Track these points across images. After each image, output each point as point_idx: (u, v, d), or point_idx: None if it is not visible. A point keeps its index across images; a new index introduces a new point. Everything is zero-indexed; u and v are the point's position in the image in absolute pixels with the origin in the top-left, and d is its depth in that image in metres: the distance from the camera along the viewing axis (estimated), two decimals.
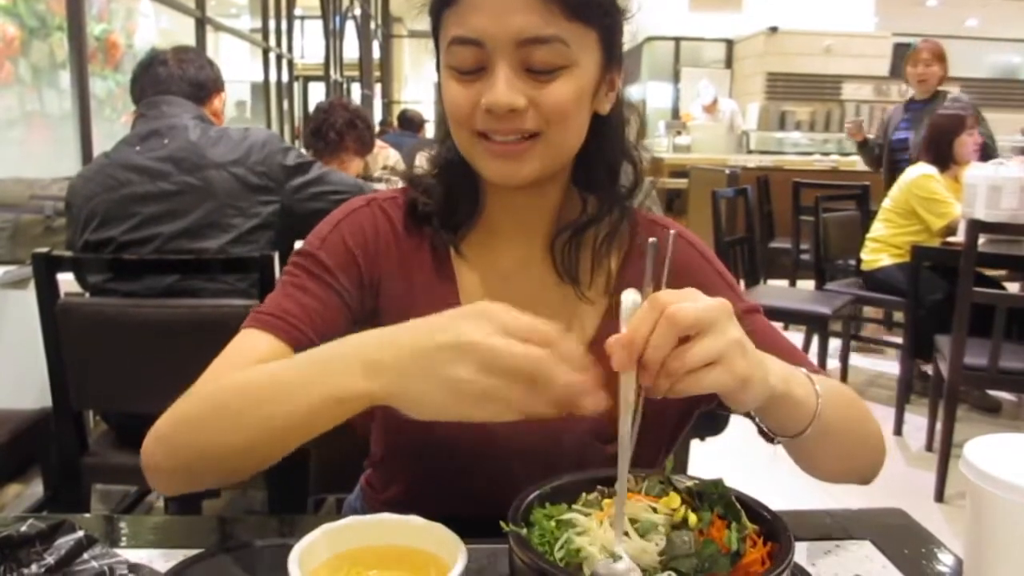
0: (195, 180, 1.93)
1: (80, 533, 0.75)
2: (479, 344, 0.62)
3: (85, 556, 0.74)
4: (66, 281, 2.01)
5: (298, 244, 0.97)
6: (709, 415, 1.00)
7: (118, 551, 0.77)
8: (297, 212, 2.04)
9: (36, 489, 2.49)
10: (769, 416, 0.79)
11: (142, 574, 0.73)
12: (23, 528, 0.72)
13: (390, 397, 0.67)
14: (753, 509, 0.68)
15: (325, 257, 0.92)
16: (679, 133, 8.19)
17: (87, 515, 1.31)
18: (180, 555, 0.76)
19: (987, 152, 4.02)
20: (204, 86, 2.14)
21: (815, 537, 0.85)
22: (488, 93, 0.82)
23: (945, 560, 0.83)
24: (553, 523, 0.66)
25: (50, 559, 0.71)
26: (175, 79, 2.08)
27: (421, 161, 1.02)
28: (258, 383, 0.77)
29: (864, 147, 4.87)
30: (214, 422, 0.77)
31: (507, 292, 0.94)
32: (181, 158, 1.94)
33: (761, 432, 0.95)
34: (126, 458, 1.93)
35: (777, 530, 0.65)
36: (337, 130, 2.96)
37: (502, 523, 0.63)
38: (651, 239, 0.68)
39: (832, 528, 0.89)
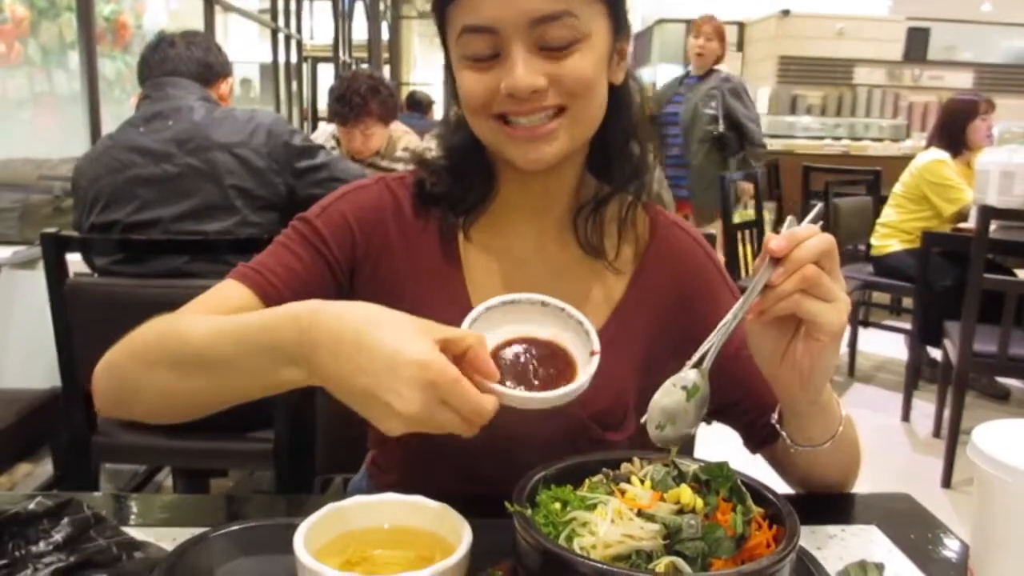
0: (198, 162, 1.92)
1: (87, 511, 0.75)
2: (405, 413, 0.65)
3: (92, 534, 0.74)
4: (75, 261, 2.02)
5: None
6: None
7: (125, 529, 0.78)
8: (301, 195, 2.03)
9: (46, 468, 2.51)
10: (811, 418, 0.83)
11: (149, 552, 0.73)
12: (31, 506, 0.73)
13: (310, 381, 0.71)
14: (759, 492, 0.68)
15: (321, 226, 0.92)
16: None
17: (96, 494, 1.32)
18: (187, 533, 0.76)
19: None
20: (211, 68, 2.12)
21: (821, 521, 0.84)
22: (507, 78, 0.81)
23: (951, 545, 0.83)
24: (558, 505, 0.66)
25: (57, 537, 0.72)
26: (182, 59, 2.07)
27: (431, 144, 1.02)
28: (207, 341, 0.77)
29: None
30: (160, 360, 0.80)
31: (519, 275, 0.95)
32: (185, 139, 1.93)
33: (747, 438, 0.97)
34: (135, 438, 1.94)
35: (782, 513, 0.65)
36: (361, 94, 2.94)
37: (507, 504, 0.63)
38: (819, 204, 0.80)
39: (838, 512, 0.88)
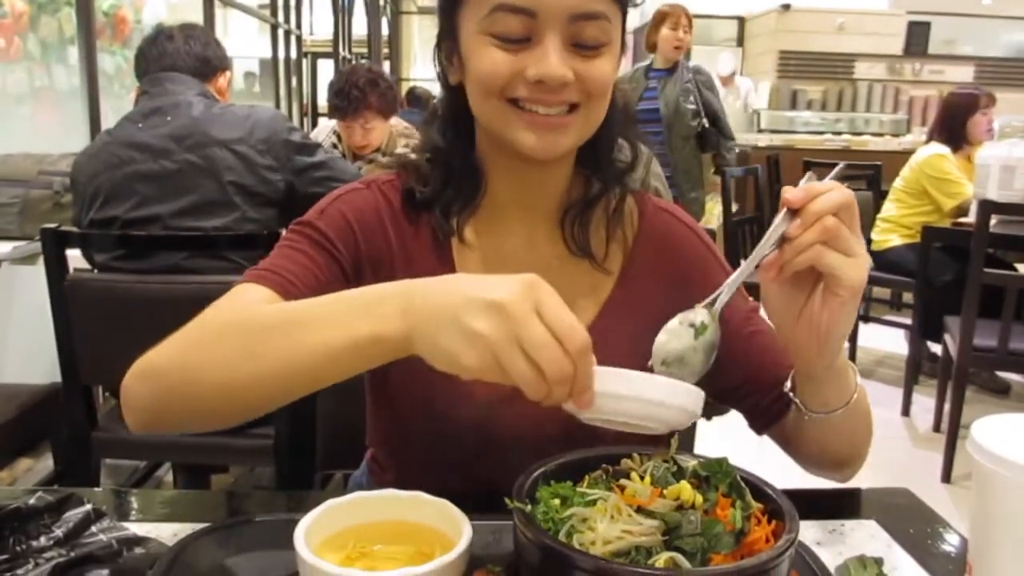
0: (197, 158, 1.91)
1: (88, 506, 0.75)
2: (507, 306, 0.60)
3: (93, 529, 0.74)
4: (75, 257, 2.02)
5: None
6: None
7: (126, 524, 0.78)
8: (299, 192, 2.02)
9: (47, 463, 2.51)
10: (827, 383, 0.83)
11: (149, 547, 0.74)
12: (32, 501, 0.73)
13: (411, 341, 0.65)
14: (758, 488, 0.68)
15: (324, 227, 0.91)
16: None
17: (96, 489, 1.32)
18: (188, 529, 0.77)
19: None
20: (209, 63, 2.11)
21: (820, 516, 0.85)
22: (540, 64, 0.81)
23: (951, 540, 0.83)
24: (558, 501, 0.66)
25: (58, 532, 0.72)
26: (180, 54, 2.06)
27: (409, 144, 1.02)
28: (282, 311, 0.73)
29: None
30: (222, 347, 0.73)
31: (510, 273, 0.94)
32: (183, 136, 1.92)
33: (753, 419, 0.96)
34: (135, 433, 1.94)
35: (782, 509, 0.65)
36: (360, 87, 2.93)
37: (507, 500, 0.63)
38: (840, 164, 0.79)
39: (837, 507, 0.89)
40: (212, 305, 0.82)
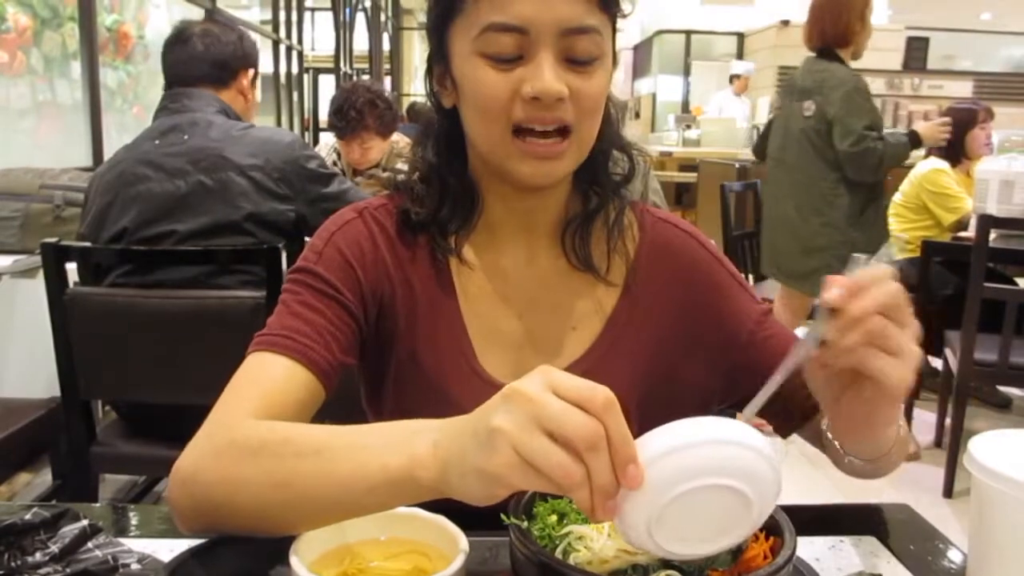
0: (211, 182, 1.89)
1: (84, 522, 0.75)
2: (520, 391, 0.56)
3: (89, 545, 0.74)
4: (76, 271, 2.03)
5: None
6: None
7: (124, 540, 0.78)
8: (311, 224, 2.00)
9: (46, 478, 2.50)
10: (865, 444, 0.81)
11: (145, 564, 0.73)
12: (27, 516, 0.73)
13: (445, 474, 0.61)
14: None
15: (324, 271, 0.88)
16: (689, 127, 8.16)
17: (94, 504, 1.32)
18: (184, 545, 0.76)
19: None
20: (228, 66, 2.08)
21: (819, 532, 0.84)
22: (534, 81, 0.80)
23: (951, 556, 0.82)
24: (555, 517, 0.66)
25: (54, 548, 0.72)
26: (196, 60, 2.04)
27: (400, 164, 1.00)
28: (314, 438, 0.70)
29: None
30: (254, 470, 0.71)
31: (513, 290, 0.94)
32: (199, 158, 1.91)
33: (778, 426, 0.95)
34: (134, 448, 1.94)
35: (780, 525, 0.65)
36: (358, 108, 2.95)
37: (503, 515, 0.63)
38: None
39: (837, 523, 0.88)
40: (226, 395, 0.80)
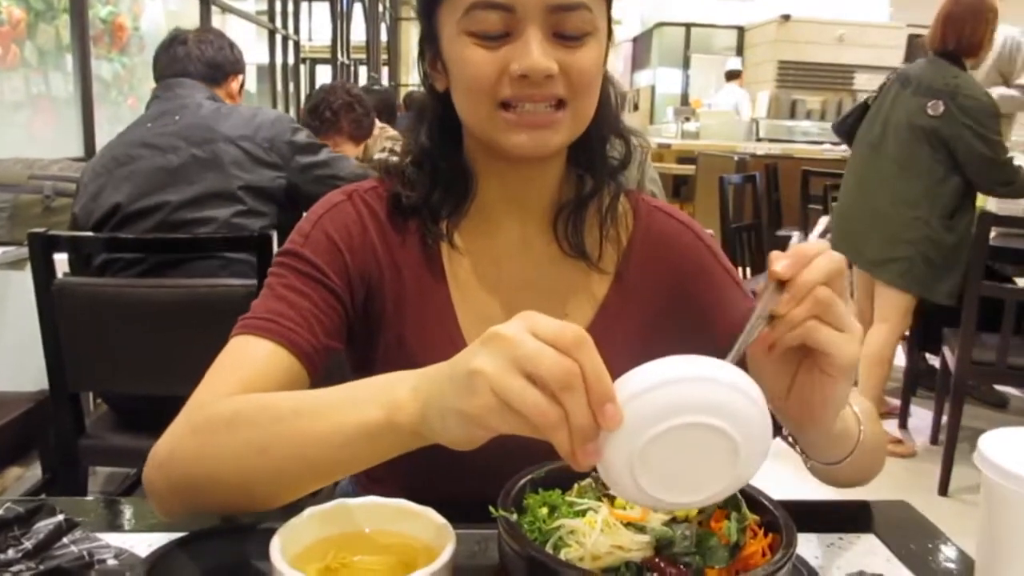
0: (202, 152, 1.95)
1: (60, 517, 0.73)
2: (499, 333, 0.56)
3: (64, 541, 0.72)
4: (64, 261, 2.01)
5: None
6: None
7: (107, 534, 0.76)
8: (302, 192, 2.05)
9: (37, 472, 2.48)
10: (825, 445, 0.78)
11: (122, 559, 0.71)
12: (0, 512, 0.70)
13: (426, 419, 0.61)
14: (754, 499, 0.66)
15: (310, 254, 0.87)
16: (688, 119, 8.14)
17: (81, 498, 1.30)
18: (167, 539, 0.74)
19: None
20: (221, 68, 2.18)
21: (818, 529, 0.82)
22: (522, 58, 0.79)
23: (952, 556, 0.80)
24: (546, 510, 0.63)
25: (28, 544, 0.69)
26: (192, 59, 2.13)
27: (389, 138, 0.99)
28: (292, 401, 0.70)
29: None
30: (233, 441, 0.70)
31: (504, 276, 0.93)
32: (190, 132, 1.96)
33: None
34: (124, 440, 1.92)
35: (778, 521, 0.62)
36: (333, 110, 2.92)
37: (491, 508, 0.61)
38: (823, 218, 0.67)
39: (836, 520, 0.86)
40: (208, 379, 0.79)
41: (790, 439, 0.82)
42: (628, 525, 0.61)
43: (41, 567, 0.67)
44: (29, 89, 3.46)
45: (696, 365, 0.54)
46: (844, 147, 5.58)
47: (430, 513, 0.68)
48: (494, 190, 0.93)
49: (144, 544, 0.75)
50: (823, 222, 0.71)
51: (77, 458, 1.89)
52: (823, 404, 0.68)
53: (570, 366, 0.53)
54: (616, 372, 0.54)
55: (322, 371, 0.85)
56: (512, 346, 0.54)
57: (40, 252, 1.75)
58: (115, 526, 0.82)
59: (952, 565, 0.79)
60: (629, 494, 0.56)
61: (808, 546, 0.79)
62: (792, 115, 8.91)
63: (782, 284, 0.63)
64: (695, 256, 0.96)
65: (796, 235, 0.80)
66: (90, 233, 1.95)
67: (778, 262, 0.63)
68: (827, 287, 0.62)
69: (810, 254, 0.63)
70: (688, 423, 0.53)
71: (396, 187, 0.92)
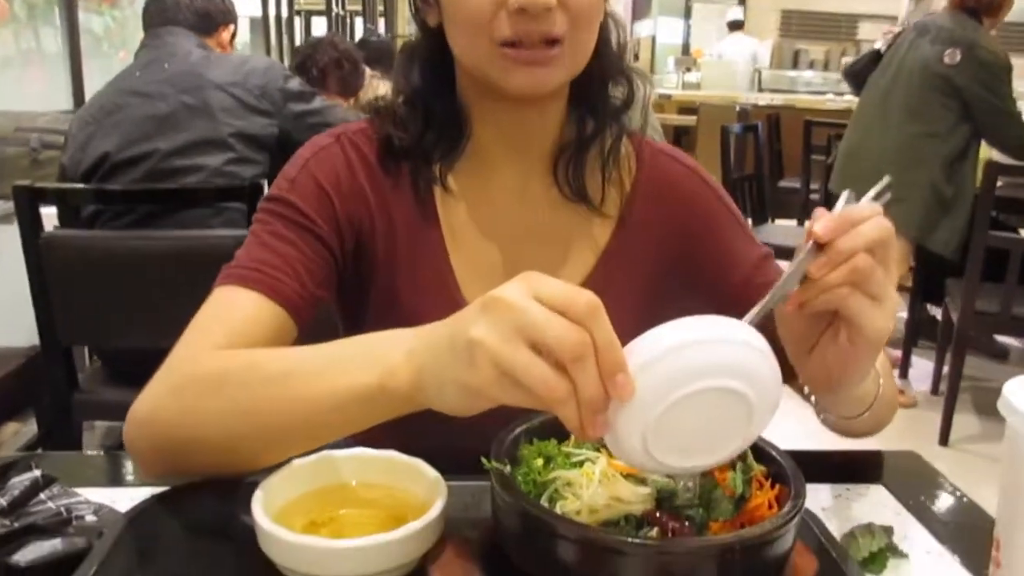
0: (193, 100, 1.92)
1: (36, 472, 0.70)
2: (501, 298, 0.52)
3: (41, 497, 0.69)
4: (55, 215, 1.97)
5: None
6: None
7: (92, 490, 0.73)
8: (295, 140, 1.99)
9: (33, 428, 2.47)
10: (844, 401, 0.75)
11: (102, 515, 0.68)
12: None
13: (421, 387, 0.58)
14: (760, 449, 0.62)
15: (297, 200, 0.83)
16: (688, 70, 8.01)
17: (67, 453, 1.27)
18: (148, 493, 0.71)
19: None
20: (211, 17, 2.16)
21: (823, 479, 0.79)
22: None
23: (964, 508, 0.78)
24: (541, 461, 0.60)
25: (2, 500, 0.66)
26: (182, 8, 2.11)
27: (383, 90, 0.95)
28: (281, 360, 0.67)
29: None
30: (218, 400, 0.67)
31: (501, 222, 0.89)
32: (179, 80, 1.94)
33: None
34: (118, 394, 1.89)
35: (786, 472, 0.59)
36: (320, 68, 2.86)
37: (483, 459, 0.58)
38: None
39: (842, 471, 0.83)
40: (189, 332, 0.75)
41: (805, 391, 0.78)
42: (628, 476, 0.58)
43: (16, 524, 0.64)
44: (19, 44, 3.41)
45: (705, 326, 0.51)
46: (848, 97, 5.48)
47: (421, 465, 0.65)
48: (490, 132, 0.88)
49: (127, 499, 0.72)
50: (885, 181, 0.65)
51: (70, 413, 1.87)
52: (844, 372, 0.64)
53: (581, 336, 0.49)
54: (618, 323, 0.50)
55: (310, 322, 0.82)
56: (515, 313, 0.51)
57: (26, 205, 1.72)
58: (98, 481, 0.79)
59: (966, 519, 0.76)
60: (638, 463, 0.53)
61: (815, 498, 0.76)
62: (795, 65, 8.78)
63: (821, 246, 0.58)
64: (701, 201, 0.93)
65: (847, 192, 0.75)
66: (77, 184, 1.92)
67: (819, 222, 0.58)
68: (868, 255, 0.58)
69: (856, 218, 0.58)
70: (703, 388, 0.50)
71: (387, 128, 0.88)
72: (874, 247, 0.58)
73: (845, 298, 0.58)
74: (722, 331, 0.51)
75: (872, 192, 0.62)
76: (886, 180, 0.63)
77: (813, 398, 0.77)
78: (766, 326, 0.57)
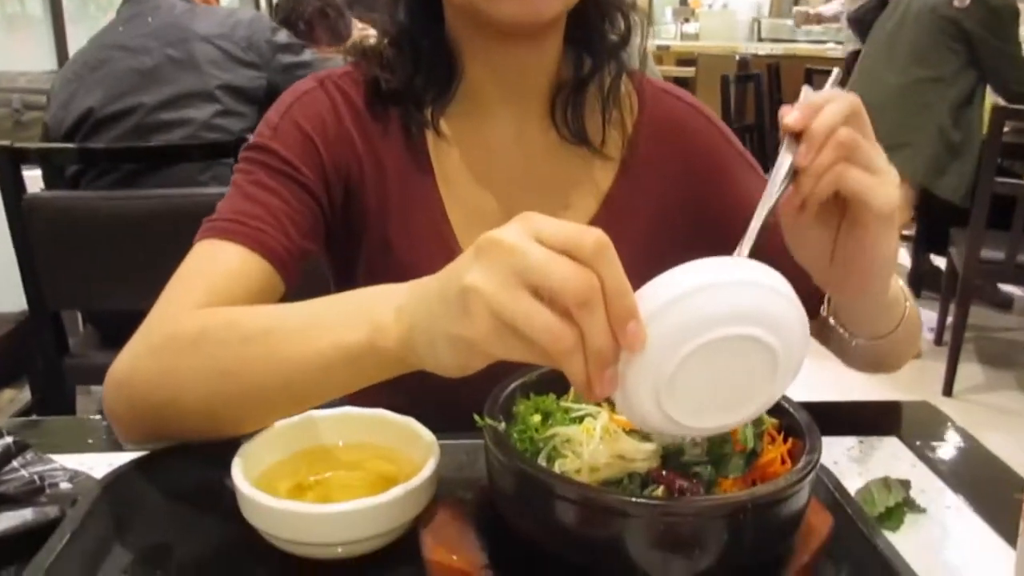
0: (178, 53, 1.88)
1: (8, 439, 0.66)
2: (498, 240, 0.47)
3: (14, 464, 0.65)
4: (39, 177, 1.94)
5: None
6: None
7: (74, 456, 0.70)
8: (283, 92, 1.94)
9: (28, 394, 2.45)
10: (874, 314, 0.74)
11: (77, 482, 0.65)
12: None
13: (412, 345, 0.53)
14: None
15: (280, 147, 0.78)
16: (687, 20, 7.86)
17: (37, 418, 1.24)
18: (128, 459, 0.68)
19: None
20: None
21: (835, 432, 0.76)
22: None
23: (985, 460, 0.74)
24: (538, 417, 0.56)
25: None
26: None
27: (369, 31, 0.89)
28: (264, 318, 0.64)
29: None
30: (197, 361, 0.63)
31: (497, 167, 0.85)
32: (164, 33, 1.90)
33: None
34: (109, 358, 1.81)
35: (799, 424, 0.56)
36: (306, 20, 2.77)
37: (476, 416, 0.54)
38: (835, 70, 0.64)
39: (854, 422, 0.80)
40: (170, 289, 0.71)
41: (832, 319, 0.77)
42: (631, 432, 0.54)
43: None
44: (4, 9, 3.37)
45: (726, 268, 0.46)
46: (850, 47, 5.40)
47: (412, 424, 0.62)
48: (483, 72, 0.83)
49: (105, 465, 0.69)
50: (835, 74, 0.63)
51: (62, 378, 1.85)
52: (871, 262, 0.61)
53: (589, 279, 0.44)
54: (626, 271, 0.45)
55: (297, 277, 0.78)
56: (513, 255, 0.45)
57: (7, 167, 1.67)
58: (91, 447, 0.76)
59: (986, 472, 0.73)
60: (652, 423, 0.48)
61: (827, 451, 0.71)
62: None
63: (797, 137, 0.57)
64: (707, 140, 0.88)
65: (806, 88, 0.73)
66: (60, 144, 1.87)
67: (789, 114, 0.57)
68: (847, 128, 0.57)
69: (821, 102, 0.57)
70: (723, 336, 0.44)
71: (374, 71, 0.83)
72: (849, 119, 0.57)
73: (841, 175, 0.57)
74: (744, 273, 0.46)
75: (829, 82, 0.61)
76: (836, 72, 0.64)
77: (842, 330, 0.76)
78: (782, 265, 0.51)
